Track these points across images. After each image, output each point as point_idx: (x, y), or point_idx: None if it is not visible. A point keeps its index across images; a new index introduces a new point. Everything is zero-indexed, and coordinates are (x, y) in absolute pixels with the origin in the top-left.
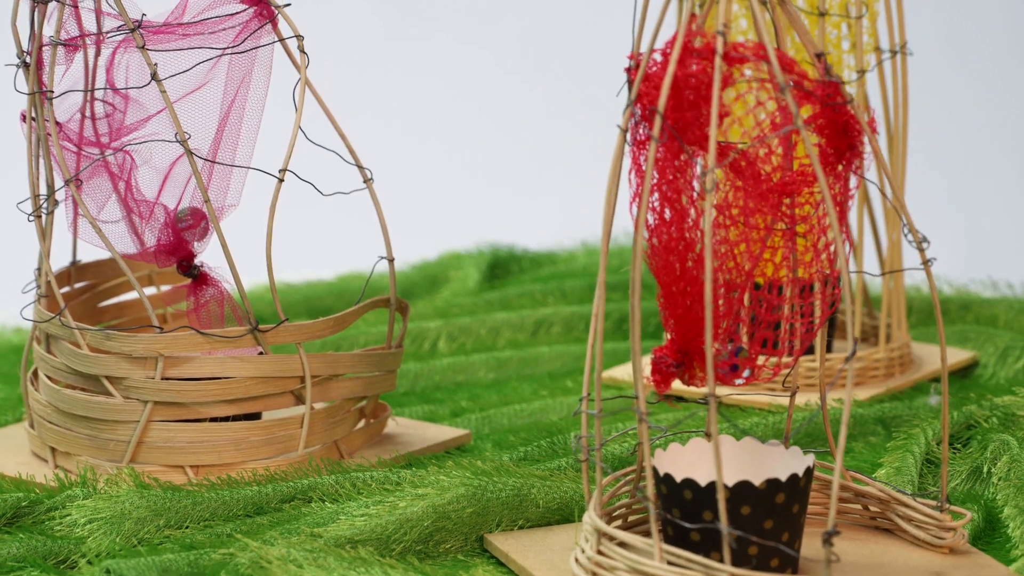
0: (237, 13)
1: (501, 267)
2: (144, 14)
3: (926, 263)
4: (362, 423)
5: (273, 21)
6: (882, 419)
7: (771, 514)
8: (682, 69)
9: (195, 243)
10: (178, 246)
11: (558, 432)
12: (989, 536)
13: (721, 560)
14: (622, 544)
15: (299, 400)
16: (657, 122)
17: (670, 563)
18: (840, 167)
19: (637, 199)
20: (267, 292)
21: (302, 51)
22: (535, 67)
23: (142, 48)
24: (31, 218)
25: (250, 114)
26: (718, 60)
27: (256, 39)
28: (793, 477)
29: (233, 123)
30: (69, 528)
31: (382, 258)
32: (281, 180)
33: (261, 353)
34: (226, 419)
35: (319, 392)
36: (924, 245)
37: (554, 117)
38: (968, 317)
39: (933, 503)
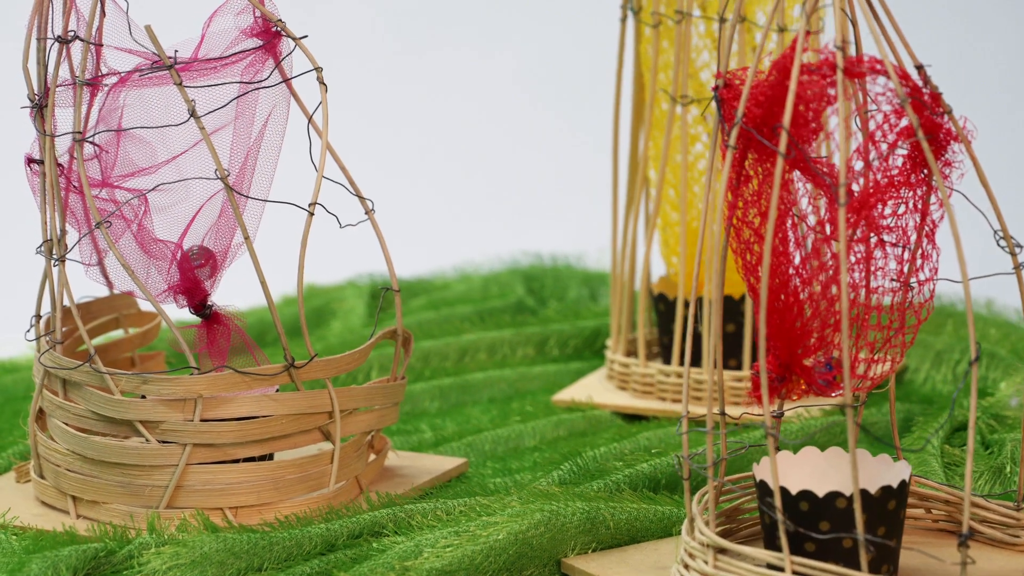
0: (247, 51)
1: (378, 296)
2: (177, 50)
3: (1018, 268)
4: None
5: (278, 63)
6: (861, 427)
7: (884, 520)
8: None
9: (207, 282)
10: (195, 287)
11: (576, 455)
12: None
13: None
14: (738, 556)
15: (324, 436)
16: (783, 138)
17: (801, 575)
18: (923, 174)
19: (733, 215)
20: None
21: (321, 82)
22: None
23: (179, 85)
24: (56, 263)
25: (268, 148)
26: (840, 75)
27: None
28: (902, 484)
29: (251, 158)
30: None
31: (387, 289)
32: (311, 214)
33: (277, 390)
34: (248, 460)
35: (342, 427)
36: (1017, 250)
37: (419, 152)
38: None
39: (1009, 503)
